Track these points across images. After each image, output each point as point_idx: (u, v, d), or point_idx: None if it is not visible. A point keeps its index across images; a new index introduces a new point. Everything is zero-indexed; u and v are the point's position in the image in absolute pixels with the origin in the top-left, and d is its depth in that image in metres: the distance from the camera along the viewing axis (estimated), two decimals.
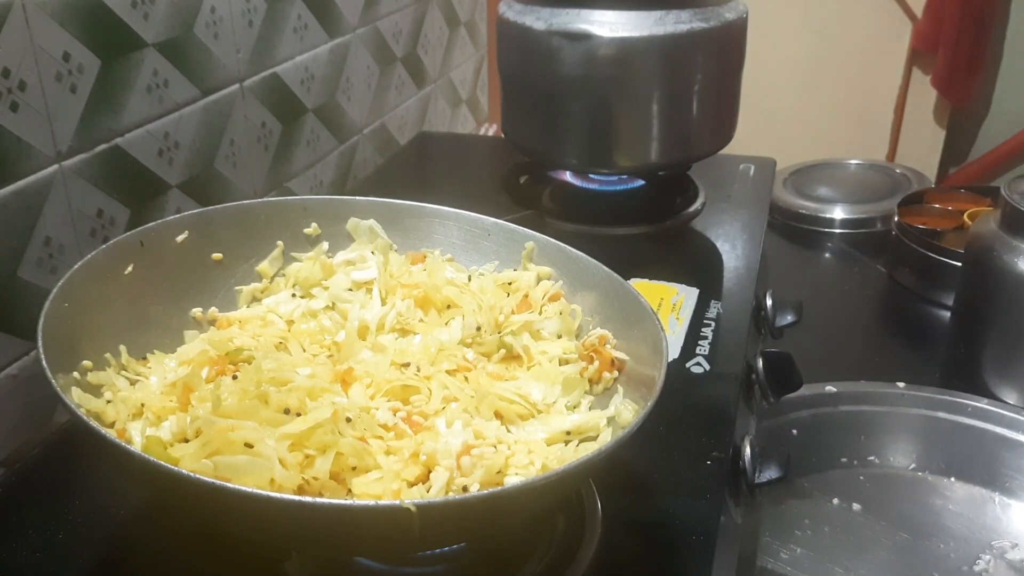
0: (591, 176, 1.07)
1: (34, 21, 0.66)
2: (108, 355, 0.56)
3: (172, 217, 0.64)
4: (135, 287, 0.60)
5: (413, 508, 0.41)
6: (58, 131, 0.70)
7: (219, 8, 0.86)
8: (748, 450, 0.69)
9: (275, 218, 0.68)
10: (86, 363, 0.54)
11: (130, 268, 0.59)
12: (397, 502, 0.41)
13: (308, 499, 0.44)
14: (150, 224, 0.62)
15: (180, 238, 0.63)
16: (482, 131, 1.59)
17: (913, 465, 0.91)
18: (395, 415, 0.54)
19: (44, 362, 0.48)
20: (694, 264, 0.93)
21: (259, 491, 0.44)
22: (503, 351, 0.62)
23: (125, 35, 0.75)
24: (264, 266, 0.67)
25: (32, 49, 0.66)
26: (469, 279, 0.67)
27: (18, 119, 0.66)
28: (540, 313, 0.64)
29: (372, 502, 0.46)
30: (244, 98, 0.92)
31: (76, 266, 0.55)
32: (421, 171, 1.20)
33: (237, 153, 0.92)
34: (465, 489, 0.49)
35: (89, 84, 0.72)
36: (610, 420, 0.56)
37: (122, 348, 0.57)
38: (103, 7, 0.72)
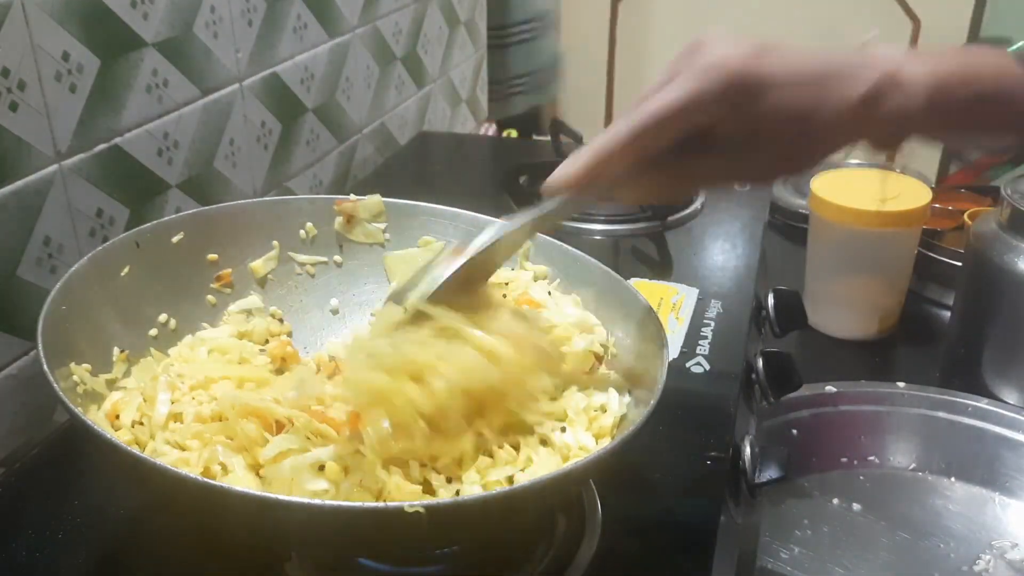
0: None
1: (33, 20, 0.66)
2: (108, 355, 0.56)
3: (167, 218, 0.64)
4: (132, 288, 0.60)
5: (417, 510, 0.41)
6: (57, 131, 0.70)
7: (219, 8, 0.86)
8: (748, 450, 0.69)
9: (271, 218, 0.68)
10: (85, 364, 0.54)
11: (127, 269, 0.59)
12: (401, 504, 0.41)
13: (309, 500, 0.44)
14: (145, 225, 0.62)
15: (175, 239, 0.63)
16: (482, 131, 1.59)
17: (913, 465, 0.91)
18: None
19: (44, 363, 0.48)
20: (694, 264, 0.93)
21: (259, 492, 0.44)
22: None
23: (125, 35, 0.75)
24: (257, 264, 0.67)
25: (31, 48, 0.66)
26: None
27: (17, 119, 0.66)
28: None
29: (375, 503, 0.46)
30: (244, 98, 0.92)
31: (73, 268, 0.55)
32: (421, 171, 1.20)
33: (237, 153, 0.92)
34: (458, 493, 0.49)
35: (89, 84, 0.72)
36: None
37: (115, 349, 0.57)
38: (103, 7, 0.72)
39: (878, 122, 0.50)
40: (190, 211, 0.65)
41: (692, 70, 0.47)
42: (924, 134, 0.53)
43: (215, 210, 0.68)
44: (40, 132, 0.68)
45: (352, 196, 0.70)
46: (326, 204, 0.70)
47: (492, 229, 0.55)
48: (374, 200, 0.70)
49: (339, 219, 0.70)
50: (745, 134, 0.49)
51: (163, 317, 0.62)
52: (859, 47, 0.51)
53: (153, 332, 0.61)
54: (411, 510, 0.41)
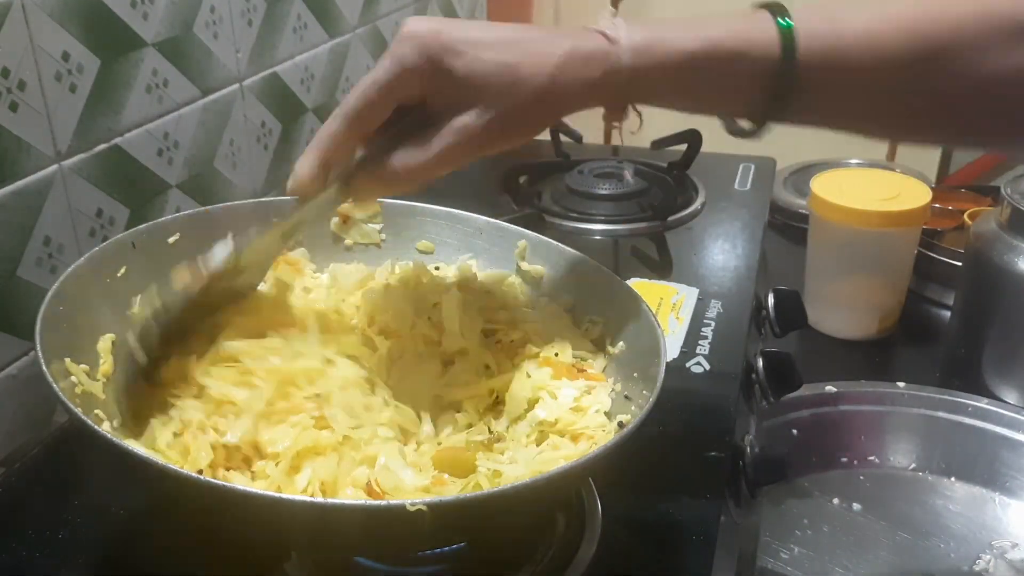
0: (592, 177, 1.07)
1: (33, 21, 0.66)
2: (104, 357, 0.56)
3: (163, 219, 0.63)
4: (129, 289, 0.59)
5: (420, 508, 0.41)
6: (58, 131, 0.70)
7: (219, 7, 0.86)
8: (748, 450, 0.69)
9: (268, 218, 0.68)
10: (83, 365, 0.54)
11: (123, 270, 0.59)
12: (401, 502, 0.41)
13: (311, 499, 0.44)
14: (141, 226, 0.62)
15: (172, 240, 0.63)
16: None
17: (913, 465, 0.91)
18: None
19: (42, 362, 0.48)
20: (694, 264, 0.93)
21: (261, 491, 0.44)
22: None
23: (125, 35, 0.75)
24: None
25: (31, 49, 0.66)
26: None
27: (18, 119, 0.66)
28: None
29: (375, 502, 0.46)
30: (244, 98, 0.92)
31: (70, 268, 0.55)
32: None
33: (237, 153, 0.92)
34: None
35: (89, 84, 0.72)
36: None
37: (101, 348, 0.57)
38: (103, 7, 0.72)
39: (593, 83, 0.51)
40: (187, 212, 0.65)
41: (391, 48, 0.51)
42: (654, 96, 0.53)
43: (211, 211, 0.67)
44: (40, 132, 0.68)
45: None
46: None
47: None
48: None
49: (335, 220, 0.69)
50: (456, 98, 0.50)
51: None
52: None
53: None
54: (413, 508, 0.41)
